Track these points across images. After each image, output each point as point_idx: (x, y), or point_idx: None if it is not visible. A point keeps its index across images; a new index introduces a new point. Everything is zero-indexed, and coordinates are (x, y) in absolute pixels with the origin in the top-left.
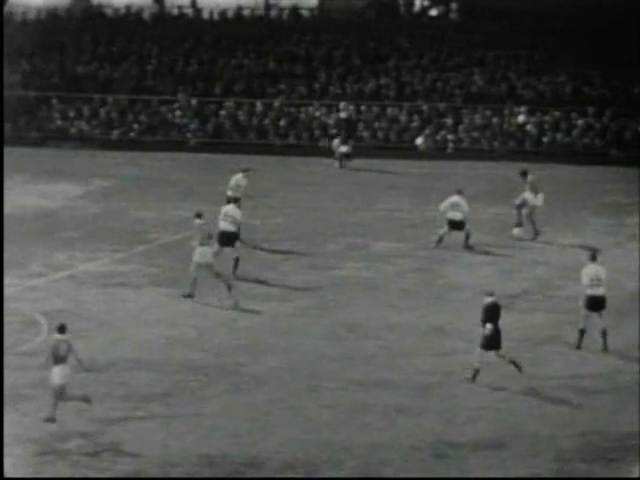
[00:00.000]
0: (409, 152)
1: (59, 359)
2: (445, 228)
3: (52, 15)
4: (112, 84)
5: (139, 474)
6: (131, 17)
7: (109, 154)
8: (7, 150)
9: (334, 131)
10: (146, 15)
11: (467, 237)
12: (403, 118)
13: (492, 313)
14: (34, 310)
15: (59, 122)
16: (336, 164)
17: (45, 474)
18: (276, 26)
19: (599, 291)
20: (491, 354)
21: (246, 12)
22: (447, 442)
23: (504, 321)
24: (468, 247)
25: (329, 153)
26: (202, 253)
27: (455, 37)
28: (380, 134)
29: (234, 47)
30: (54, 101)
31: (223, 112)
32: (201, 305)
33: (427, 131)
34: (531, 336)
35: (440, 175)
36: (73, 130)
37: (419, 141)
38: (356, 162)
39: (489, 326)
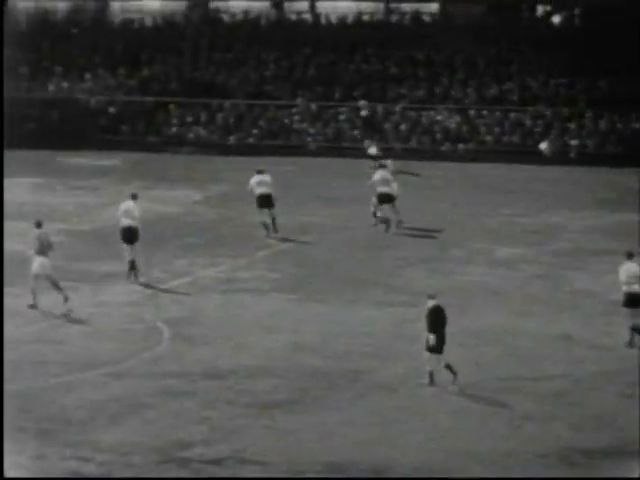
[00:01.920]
0: (532, 157)
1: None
2: (375, 201)
3: (169, 21)
4: (229, 89)
5: None
6: (249, 23)
7: (227, 159)
8: (125, 155)
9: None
10: (264, 21)
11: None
12: (527, 123)
13: (435, 318)
14: (155, 317)
15: (177, 127)
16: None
17: None
18: (396, 31)
19: (635, 288)
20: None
21: (366, 17)
22: (576, 449)
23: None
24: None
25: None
26: (40, 264)
27: (579, 42)
28: (504, 138)
29: (353, 51)
30: (172, 106)
31: (342, 116)
32: (324, 311)
33: (551, 136)
34: None
35: (564, 180)
36: (191, 135)
37: (543, 146)
38: (478, 166)
39: (431, 336)
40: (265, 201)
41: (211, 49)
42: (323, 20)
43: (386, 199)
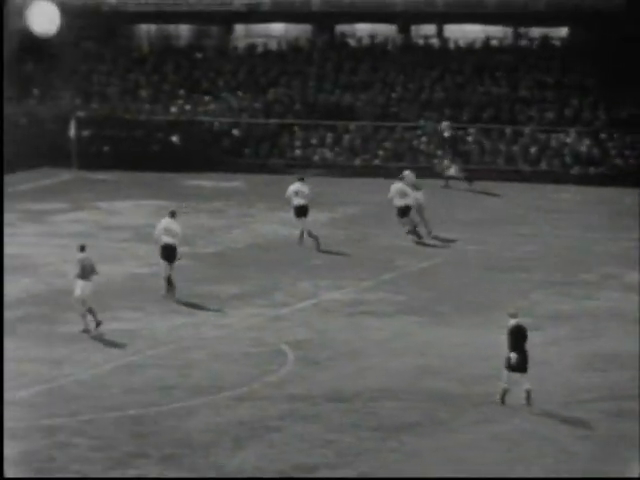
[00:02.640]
0: None
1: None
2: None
3: (293, 45)
4: (356, 111)
5: None
6: (375, 47)
7: (353, 181)
8: (249, 178)
9: (440, 152)
10: (390, 45)
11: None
12: None
13: (516, 336)
14: (279, 340)
15: (301, 150)
16: (442, 184)
17: None
18: (525, 55)
19: None
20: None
21: (494, 42)
22: None
23: None
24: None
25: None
26: (81, 287)
27: None
28: (633, 162)
29: (481, 74)
30: (296, 128)
31: (470, 138)
32: (450, 334)
33: None
34: None
35: None
36: (316, 157)
37: None
38: (609, 190)
39: (513, 355)
40: (300, 211)
41: (337, 72)
42: (451, 45)
43: (404, 211)
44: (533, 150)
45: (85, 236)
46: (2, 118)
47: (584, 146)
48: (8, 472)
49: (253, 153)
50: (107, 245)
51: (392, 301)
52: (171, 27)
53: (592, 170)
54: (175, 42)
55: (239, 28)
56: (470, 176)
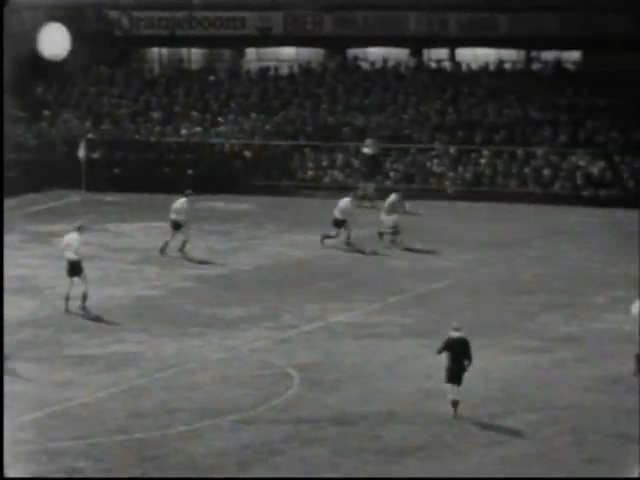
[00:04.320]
0: None
1: None
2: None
3: (305, 68)
4: (367, 133)
5: None
6: (387, 70)
7: (363, 203)
8: (259, 200)
9: (363, 169)
10: (402, 68)
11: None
12: None
13: (456, 349)
14: (286, 363)
15: (312, 171)
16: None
17: None
18: (538, 77)
19: None
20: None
21: (507, 65)
22: None
23: None
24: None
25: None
26: None
27: None
28: None
29: (494, 96)
30: (307, 150)
31: (483, 160)
32: None
33: None
34: None
35: None
36: (326, 179)
37: None
38: (620, 212)
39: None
40: (176, 225)
41: (349, 94)
42: (464, 68)
43: (336, 223)
44: (546, 172)
45: (92, 258)
46: (2, 134)
47: (597, 168)
48: None
49: (264, 175)
50: (114, 267)
51: (400, 324)
52: (183, 50)
53: (603, 193)
54: (187, 65)
55: (251, 52)
56: (373, 199)
